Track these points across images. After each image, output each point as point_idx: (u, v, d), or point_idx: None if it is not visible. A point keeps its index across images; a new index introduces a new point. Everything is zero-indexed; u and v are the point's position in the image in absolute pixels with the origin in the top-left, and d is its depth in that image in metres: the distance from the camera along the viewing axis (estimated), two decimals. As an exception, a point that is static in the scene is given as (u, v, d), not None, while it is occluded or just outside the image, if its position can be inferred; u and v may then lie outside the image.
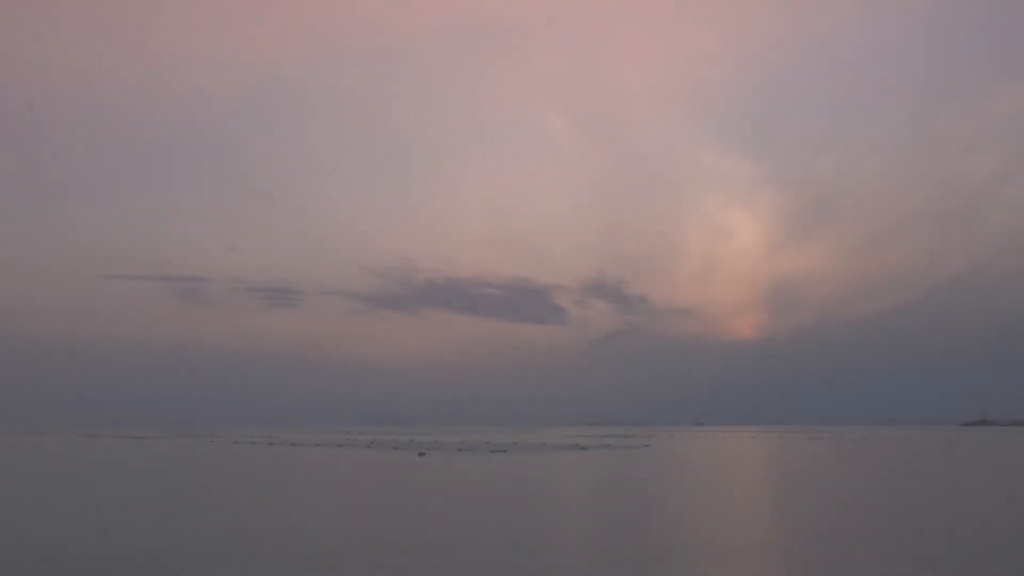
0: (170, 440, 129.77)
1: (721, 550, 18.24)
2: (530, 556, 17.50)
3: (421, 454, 72.53)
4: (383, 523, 23.63)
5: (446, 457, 67.21)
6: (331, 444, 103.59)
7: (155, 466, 55.79)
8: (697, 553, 17.88)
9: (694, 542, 19.57)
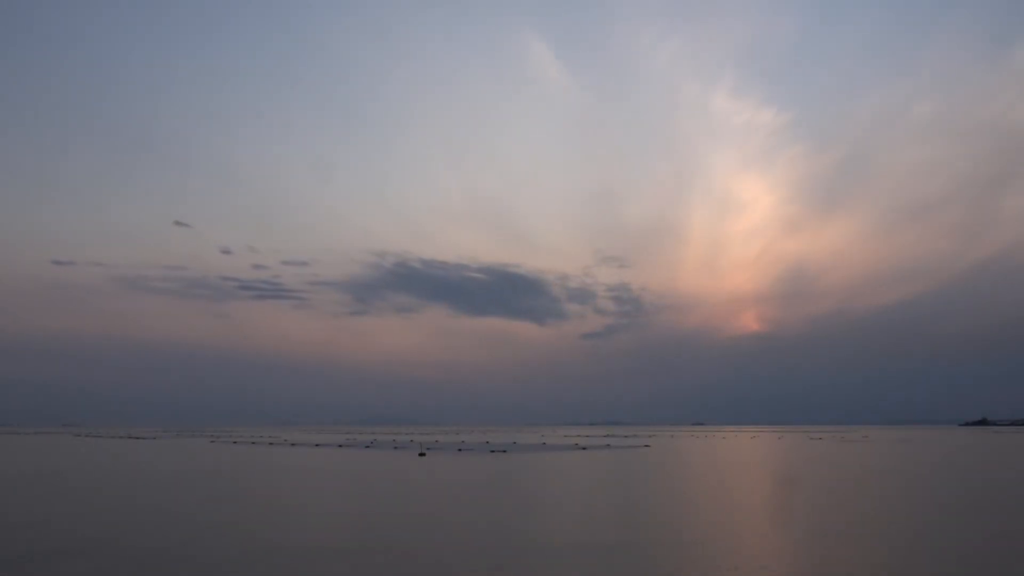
0: (170, 440, 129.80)
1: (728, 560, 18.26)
2: (528, 554, 17.54)
3: (422, 454, 72.55)
4: (382, 522, 23.66)
5: (446, 457, 67.23)
6: (331, 444, 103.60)
7: (155, 466, 55.82)
8: (698, 552, 17.91)
9: (694, 540, 19.60)
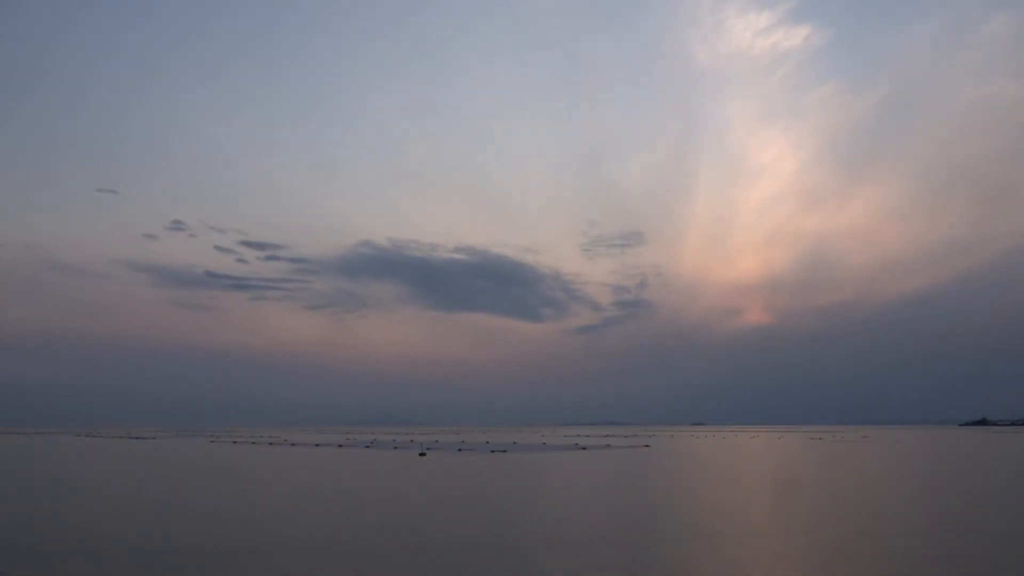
0: (169, 440, 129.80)
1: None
2: (525, 553, 17.57)
3: (422, 454, 72.56)
4: (381, 520, 23.68)
5: (446, 457, 67.23)
6: (331, 444, 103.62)
7: (155, 465, 55.82)
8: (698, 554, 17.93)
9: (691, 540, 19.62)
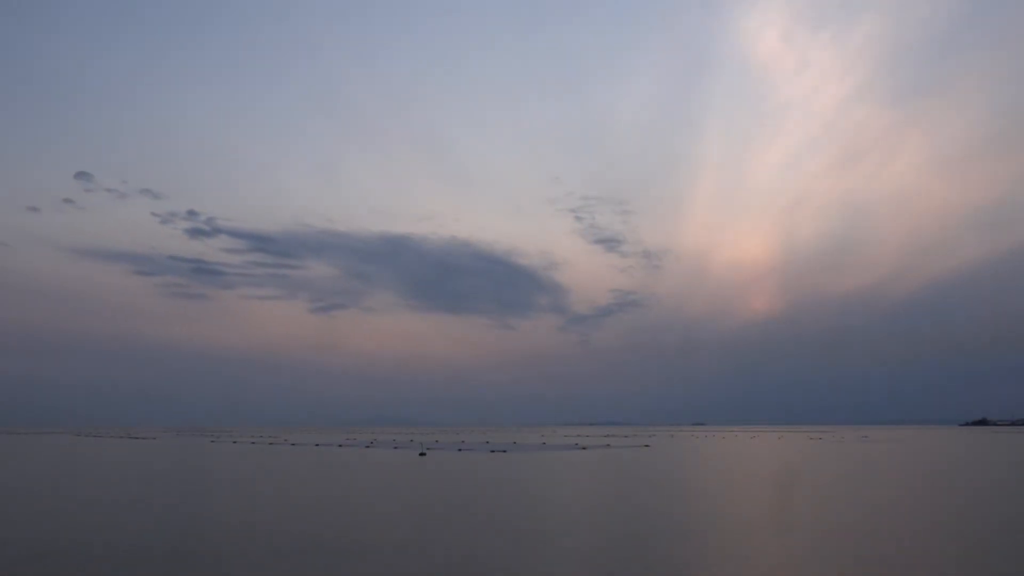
0: (170, 440, 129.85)
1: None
2: (524, 550, 17.63)
3: (422, 454, 72.62)
4: (373, 519, 23.75)
5: (446, 456, 67.29)
6: (331, 444, 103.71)
7: (154, 464, 55.88)
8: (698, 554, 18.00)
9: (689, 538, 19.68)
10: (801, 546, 18.81)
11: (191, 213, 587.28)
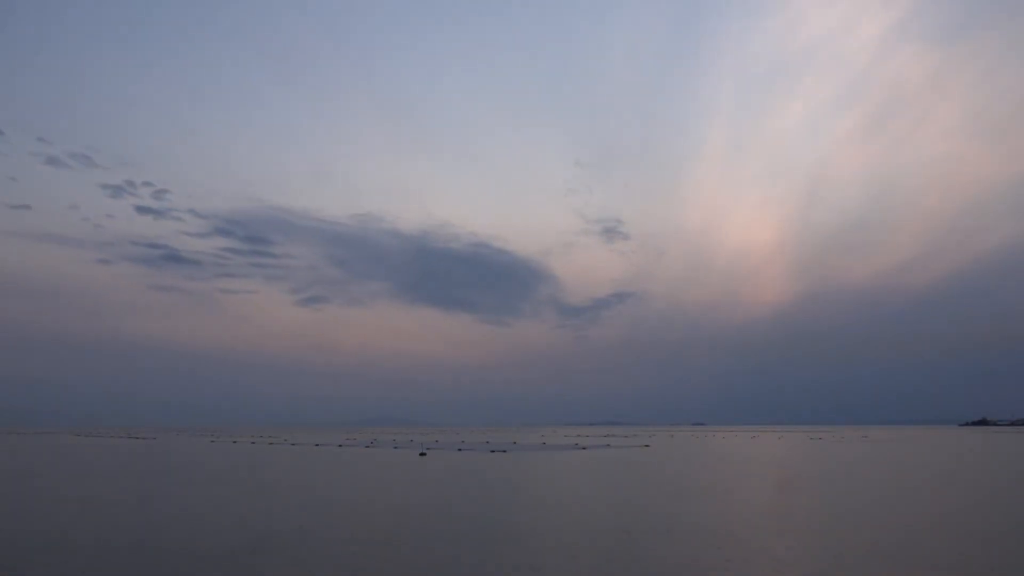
0: (170, 439, 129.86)
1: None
2: (519, 548, 17.67)
3: (422, 454, 72.68)
4: (371, 516, 23.77)
5: (446, 456, 67.32)
6: (331, 444, 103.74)
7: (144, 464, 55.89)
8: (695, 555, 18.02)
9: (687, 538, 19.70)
10: (801, 546, 18.85)
11: (147, 185, 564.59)
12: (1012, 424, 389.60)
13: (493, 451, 79.04)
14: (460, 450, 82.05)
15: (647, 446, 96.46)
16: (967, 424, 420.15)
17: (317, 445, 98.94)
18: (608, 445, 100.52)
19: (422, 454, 72.35)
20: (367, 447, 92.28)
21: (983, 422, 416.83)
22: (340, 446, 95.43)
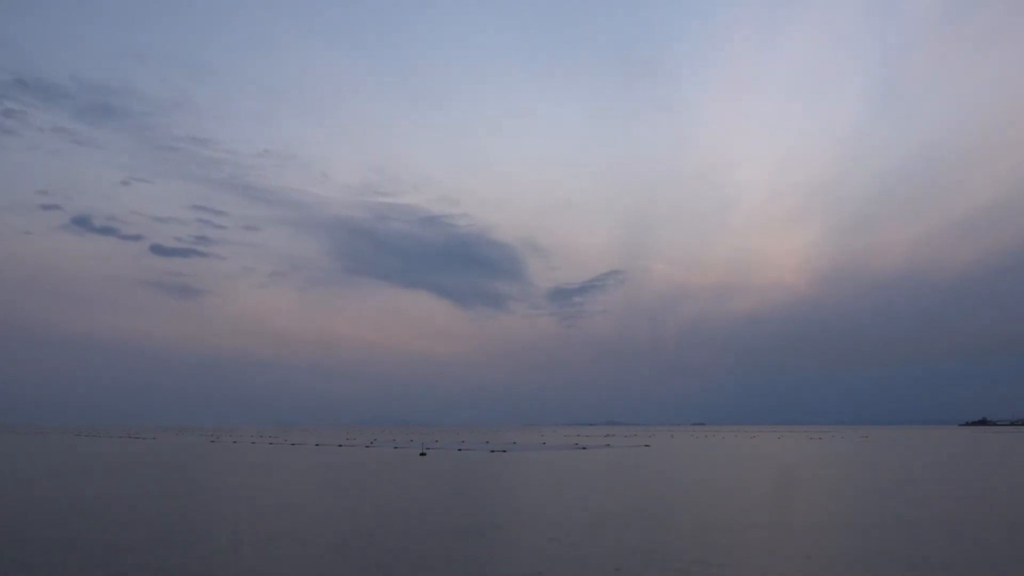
0: (169, 439, 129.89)
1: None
2: (516, 547, 17.66)
3: (422, 454, 72.68)
4: (375, 520, 23.77)
5: (446, 456, 67.32)
6: (331, 444, 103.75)
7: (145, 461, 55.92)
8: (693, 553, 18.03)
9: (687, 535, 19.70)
10: (801, 546, 18.85)
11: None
12: (1012, 424, 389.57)
13: (493, 451, 79.04)
14: (460, 450, 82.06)
15: (647, 446, 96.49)
16: (967, 424, 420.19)
17: (317, 445, 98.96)
18: (608, 445, 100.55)
19: (422, 454, 72.34)
20: (367, 447, 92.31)
21: (983, 422, 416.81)
22: (340, 446, 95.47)
